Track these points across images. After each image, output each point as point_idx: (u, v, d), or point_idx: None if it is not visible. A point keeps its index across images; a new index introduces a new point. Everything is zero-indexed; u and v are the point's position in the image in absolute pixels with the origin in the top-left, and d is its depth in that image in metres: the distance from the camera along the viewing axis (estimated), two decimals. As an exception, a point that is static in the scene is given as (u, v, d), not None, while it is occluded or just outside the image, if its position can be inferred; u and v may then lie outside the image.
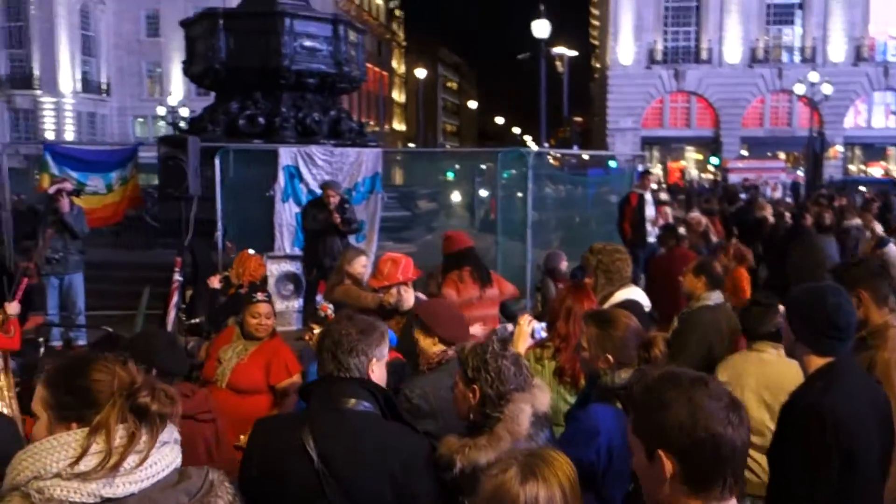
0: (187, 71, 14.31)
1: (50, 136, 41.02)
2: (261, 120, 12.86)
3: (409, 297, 4.62)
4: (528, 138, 72.86)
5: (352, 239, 8.93)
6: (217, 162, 9.53)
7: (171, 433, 1.71)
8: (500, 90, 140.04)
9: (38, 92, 43.66)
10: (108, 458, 1.58)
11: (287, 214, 9.70)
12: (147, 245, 12.20)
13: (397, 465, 2.47)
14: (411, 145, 51.67)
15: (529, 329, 4.26)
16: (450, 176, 17.90)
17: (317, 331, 4.22)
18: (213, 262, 9.05)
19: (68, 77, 44.57)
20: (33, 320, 7.88)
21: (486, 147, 42.86)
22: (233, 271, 6.59)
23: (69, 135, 43.44)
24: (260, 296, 4.58)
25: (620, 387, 2.96)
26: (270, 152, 10.06)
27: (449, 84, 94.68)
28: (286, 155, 9.76)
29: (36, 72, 43.67)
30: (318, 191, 9.13)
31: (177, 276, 8.32)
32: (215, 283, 6.60)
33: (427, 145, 56.09)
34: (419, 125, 58.65)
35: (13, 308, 5.24)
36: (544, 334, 4.36)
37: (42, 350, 6.84)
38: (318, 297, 9.07)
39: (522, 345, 4.14)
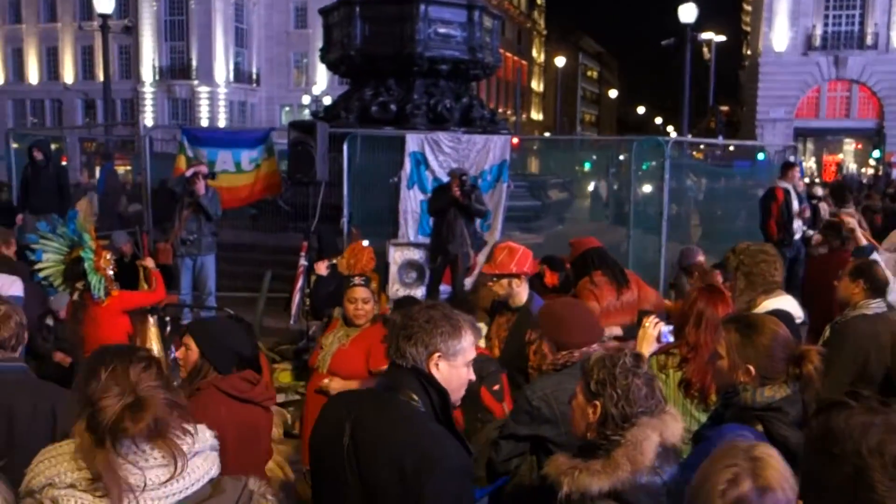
0: (324, 58, 14.54)
1: (204, 123, 43.38)
2: (392, 107, 12.87)
3: (522, 293, 4.28)
4: (670, 129, 70.28)
5: (476, 226, 8.73)
6: (345, 147, 9.56)
7: (204, 441, 1.54)
8: (643, 79, 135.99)
9: (195, 82, 46.24)
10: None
11: (412, 201, 9.61)
12: (281, 228, 12.50)
13: (411, 463, 2.23)
14: (547, 135, 51.02)
15: (655, 332, 3.85)
16: (587, 167, 17.38)
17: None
18: (337, 248, 9.09)
19: (222, 67, 46.94)
20: (168, 299, 8.18)
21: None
22: (343, 261, 6.51)
23: (221, 122, 45.79)
24: (357, 280, 4.43)
25: (764, 406, 2.59)
26: (398, 139, 10.00)
27: (589, 73, 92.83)
28: (413, 141, 9.67)
29: (193, 63, 46.26)
30: (444, 178, 8.97)
31: (302, 261, 8.40)
32: (322, 269, 6.51)
33: (563, 135, 55.21)
34: (557, 115, 57.80)
35: (149, 262, 5.67)
36: (671, 339, 3.93)
37: (168, 329, 7.03)
38: (443, 287, 8.94)
39: (646, 350, 3.75)
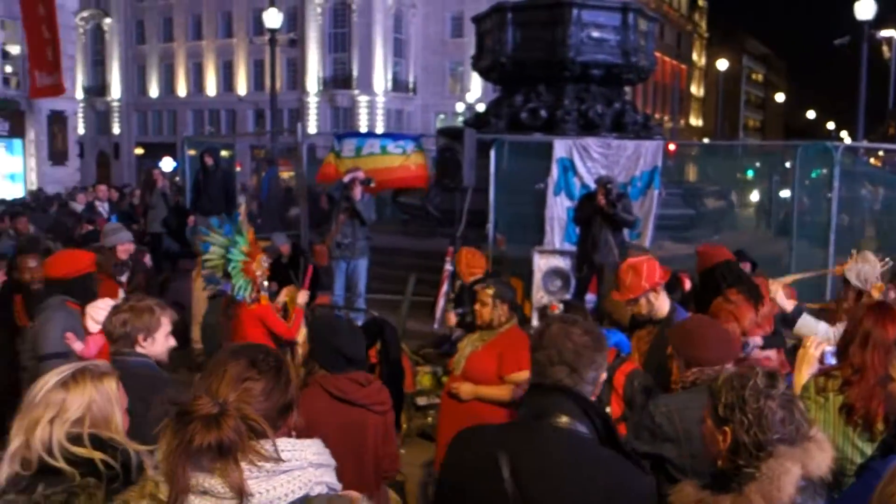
0: (476, 65, 14.68)
1: (363, 130, 45.01)
2: (543, 113, 12.77)
3: (662, 304, 4.07)
4: (843, 134, 65.47)
5: (625, 235, 8.46)
6: (492, 154, 9.56)
7: (300, 459, 1.54)
8: (813, 81, 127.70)
9: (356, 91, 48.04)
10: None
11: (558, 208, 9.46)
12: (429, 233, 12.72)
13: (601, 499, 2.04)
14: (706, 141, 48.93)
15: (818, 353, 3.54)
16: (749, 174, 16.49)
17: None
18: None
19: (381, 77, 48.51)
20: (321, 299, 8.50)
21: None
22: (461, 267, 6.54)
23: (379, 129, 47.25)
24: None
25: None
26: (546, 144, 9.90)
27: (754, 76, 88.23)
28: (561, 147, 9.53)
29: (354, 73, 48.13)
30: (592, 185, 8.77)
31: (447, 266, 8.48)
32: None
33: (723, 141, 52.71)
34: (717, 120, 55.33)
35: (302, 297, 5.40)
36: (833, 360, 3.60)
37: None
38: (589, 297, 8.74)
39: (806, 372, 3.45)
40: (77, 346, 3.64)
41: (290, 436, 1.72)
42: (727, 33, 74.35)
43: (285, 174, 21.56)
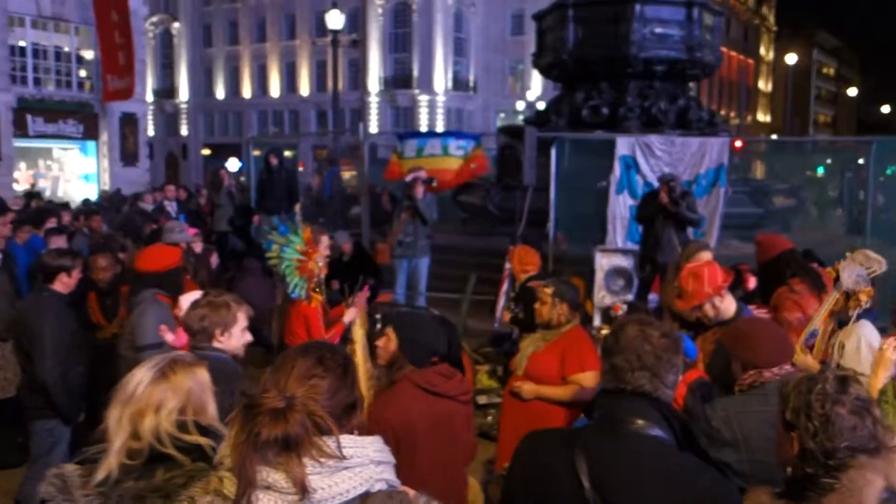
0: (536, 63, 14.60)
1: (423, 130, 45.20)
2: (604, 110, 12.62)
3: (728, 306, 3.96)
4: (922, 129, 62.90)
5: (689, 234, 8.30)
6: (553, 152, 9.50)
7: (361, 456, 1.55)
8: (888, 75, 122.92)
9: (416, 91, 48.31)
10: None
11: (621, 206, 9.34)
12: (489, 232, 12.70)
13: None
14: (774, 137, 47.60)
15: (895, 356, 3.42)
16: (819, 171, 16.00)
17: (604, 332, 3.84)
18: (543, 253, 9.06)
19: (441, 76, 48.67)
20: (383, 297, 8.58)
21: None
22: (516, 265, 6.50)
23: (439, 129, 47.45)
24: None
25: None
26: (608, 142, 9.78)
27: (825, 70, 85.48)
28: (623, 144, 9.40)
29: (415, 73, 48.40)
30: (655, 183, 8.63)
31: (507, 265, 8.45)
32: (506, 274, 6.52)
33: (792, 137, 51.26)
34: (786, 116, 53.81)
35: (349, 316, 4.99)
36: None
37: (378, 326, 7.34)
38: (652, 296, 8.60)
39: (882, 376, 3.34)
40: (169, 337, 3.76)
41: (352, 434, 1.74)
42: (796, 26, 72.19)
43: (346, 174, 21.81)
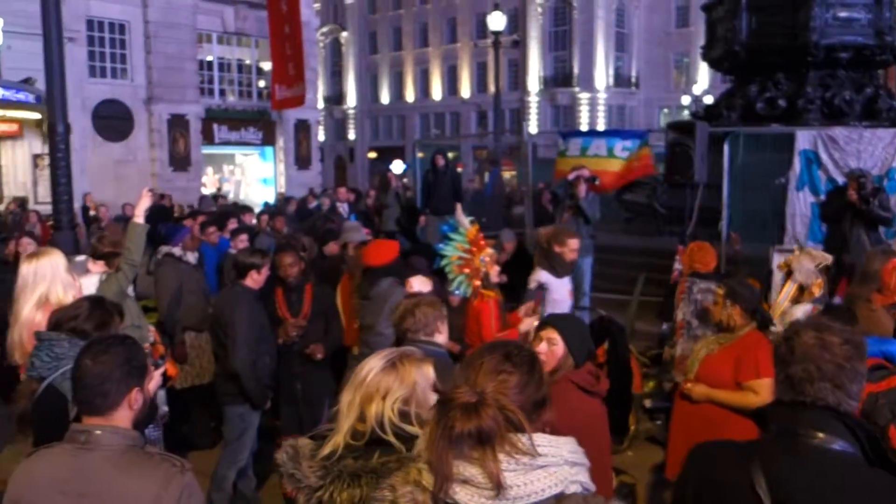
0: (706, 56, 14.02)
1: (583, 128, 44.63)
2: (781, 102, 11.93)
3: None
4: None
5: (881, 233, 7.69)
6: (726, 148, 9.09)
7: (556, 455, 1.56)
8: None
9: (576, 89, 47.77)
10: None
11: (801, 204, 8.79)
12: (655, 232, 12.35)
13: None
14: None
15: None
16: None
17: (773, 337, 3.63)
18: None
19: (602, 73, 47.85)
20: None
21: None
22: (686, 259, 6.22)
23: (600, 127, 46.63)
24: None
25: None
26: (786, 136, 9.25)
27: None
28: (804, 138, 8.84)
29: (575, 70, 47.89)
30: (839, 178, 8.06)
31: (676, 265, 8.18)
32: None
33: None
34: None
35: (525, 325, 4.72)
36: None
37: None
38: (837, 300, 8.05)
39: None
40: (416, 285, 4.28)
41: (545, 432, 1.75)
42: None
43: (507, 173, 21.94)
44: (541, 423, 1.79)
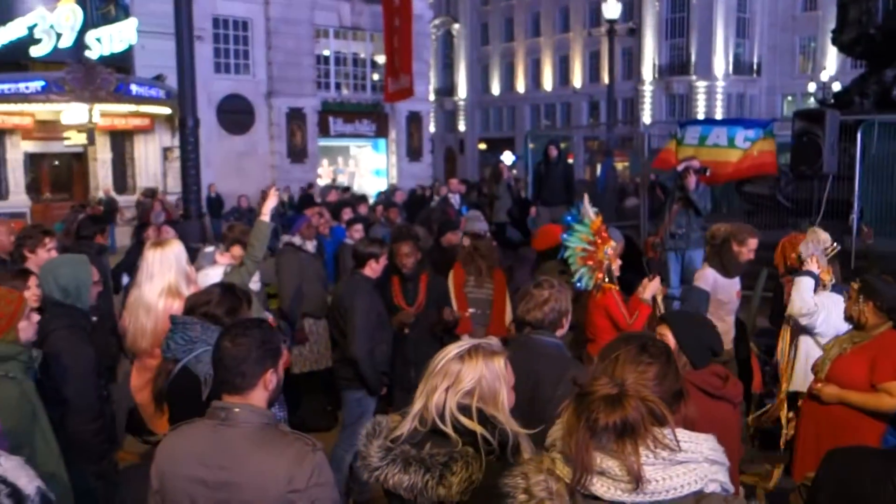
0: (836, 40, 13.25)
1: (700, 117, 43.15)
2: (920, 89, 11.16)
3: None
4: None
5: None
6: (859, 137, 8.60)
7: (696, 452, 1.52)
8: None
9: (693, 77, 46.23)
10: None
11: (941, 197, 8.22)
12: (778, 225, 11.81)
13: None
14: None
15: None
16: None
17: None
18: (844, 248, 8.25)
19: (721, 60, 46.12)
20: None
21: None
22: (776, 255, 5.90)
23: (718, 115, 45.00)
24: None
25: None
26: (925, 125, 8.65)
27: None
28: (946, 127, 8.25)
29: (692, 58, 46.35)
30: None
31: (801, 259, 7.83)
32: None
33: None
34: None
35: (650, 290, 4.79)
36: None
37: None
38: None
39: None
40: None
41: (684, 426, 1.72)
42: None
43: (619, 164, 21.51)
44: (680, 416, 1.76)
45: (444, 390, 2.23)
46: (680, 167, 8.77)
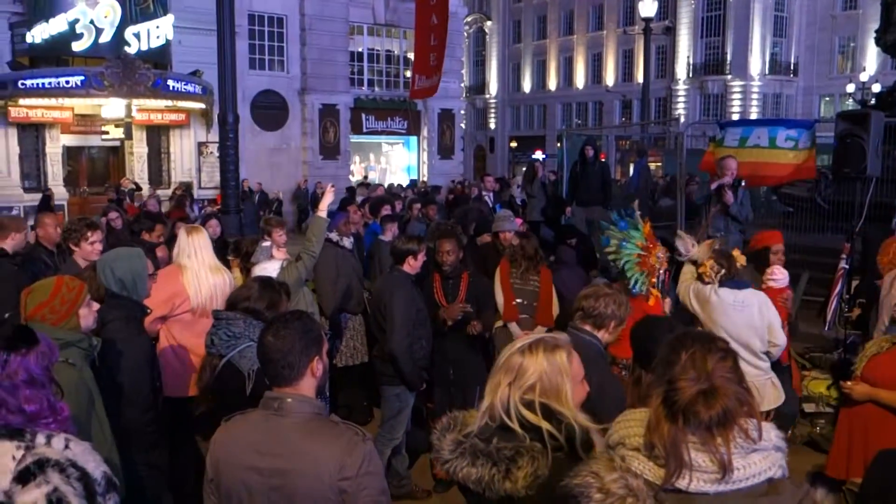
0: (879, 40, 13.04)
1: (735, 117, 42.60)
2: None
3: None
4: None
5: None
6: (903, 140, 8.46)
7: (768, 440, 1.54)
8: None
9: (728, 76, 45.68)
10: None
11: None
12: (817, 228, 11.66)
13: None
14: None
15: None
16: None
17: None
18: (886, 253, 8.11)
19: (757, 59, 45.53)
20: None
21: None
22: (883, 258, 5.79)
23: (753, 116, 44.41)
24: None
25: None
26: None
27: None
28: None
29: (728, 57, 45.79)
30: None
31: (843, 264, 7.74)
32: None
33: None
34: None
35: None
36: None
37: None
38: None
39: None
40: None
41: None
42: None
43: (652, 164, 21.31)
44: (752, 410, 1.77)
45: (508, 385, 2.24)
46: (713, 186, 8.62)
